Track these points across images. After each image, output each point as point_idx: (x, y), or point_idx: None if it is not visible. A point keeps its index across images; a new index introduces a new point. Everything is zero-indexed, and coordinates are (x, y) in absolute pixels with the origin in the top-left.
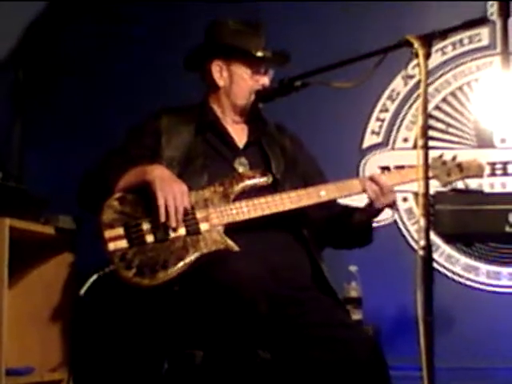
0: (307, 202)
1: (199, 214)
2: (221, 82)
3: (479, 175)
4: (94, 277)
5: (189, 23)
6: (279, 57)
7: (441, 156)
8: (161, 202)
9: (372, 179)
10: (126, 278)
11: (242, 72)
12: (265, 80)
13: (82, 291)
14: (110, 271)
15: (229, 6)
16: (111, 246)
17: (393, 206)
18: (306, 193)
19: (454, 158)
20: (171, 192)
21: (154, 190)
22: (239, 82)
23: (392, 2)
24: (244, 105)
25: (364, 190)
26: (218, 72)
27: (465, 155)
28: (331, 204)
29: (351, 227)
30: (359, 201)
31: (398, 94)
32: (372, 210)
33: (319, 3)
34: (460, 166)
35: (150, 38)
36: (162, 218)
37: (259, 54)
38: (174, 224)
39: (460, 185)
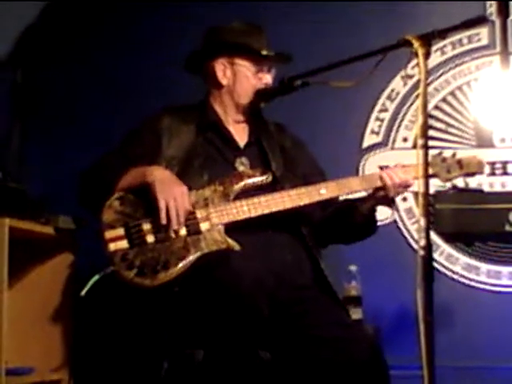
0: (308, 200)
1: (199, 214)
2: (224, 81)
3: (479, 172)
4: (96, 278)
5: (189, 22)
6: (282, 56)
7: (440, 153)
8: (162, 205)
9: (388, 174)
10: (127, 278)
11: (246, 70)
12: (268, 79)
13: (83, 292)
14: (110, 272)
15: (229, 6)
16: (112, 246)
17: (391, 204)
18: (307, 191)
19: (453, 155)
20: (171, 194)
21: (154, 192)
22: (242, 81)
23: (392, 2)
24: (247, 103)
25: (383, 184)
26: (222, 71)
27: (464, 154)
28: (332, 202)
29: (354, 221)
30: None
31: (398, 93)
32: (373, 201)
33: (320, 3)
34: (460, 163)
35: (150, 37)
36: (164, 221)
37: (264, 52)
38: (175, 226)
39: (460, 184)
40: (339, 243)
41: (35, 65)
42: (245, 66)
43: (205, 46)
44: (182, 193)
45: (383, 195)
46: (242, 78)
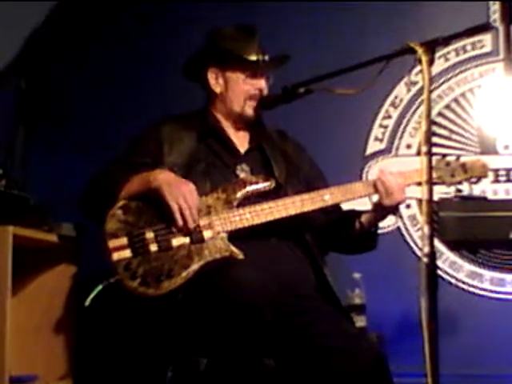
0: (311, 206)
1: (202, 222)
2: (217, 89)
3: (483, 176)
4: (99, 287)
5: (192, 26)
6: (274, 60)
7: (444, 157)
8: (174, 207)
9: (383, 176)
10: (131, 288)
11: (236, 77)
12: (261, 84)
13: (87, 302)
14: (114, 281)
15: (229, 7)
16: (115, 255)
17: (396, 212)
18: (310, 197)
19: (457, 159)
20: (181, 194)
21: (163, 195)
22: (234, 88)
23: (394, 2)
24: (240, 110)
25: (375, 189)
26: (214, 79)
27: (468, 159)
28: (335, 208)
29: (355, 231)
30: (363, 204)
31: (401, 100)
32: (377, 213)
33: (320, 6)
34: (464, 167)
35: (154, 43)
36: (180, 222)
37: (252, 57)
38: (192, 225)
39: (465, 190)
40: (337, 252)
41: (39, 72)
42: (235, 74)
43: (197, 55)
44: (190, 191)
45: (380, 205)
46: (233, 86)
